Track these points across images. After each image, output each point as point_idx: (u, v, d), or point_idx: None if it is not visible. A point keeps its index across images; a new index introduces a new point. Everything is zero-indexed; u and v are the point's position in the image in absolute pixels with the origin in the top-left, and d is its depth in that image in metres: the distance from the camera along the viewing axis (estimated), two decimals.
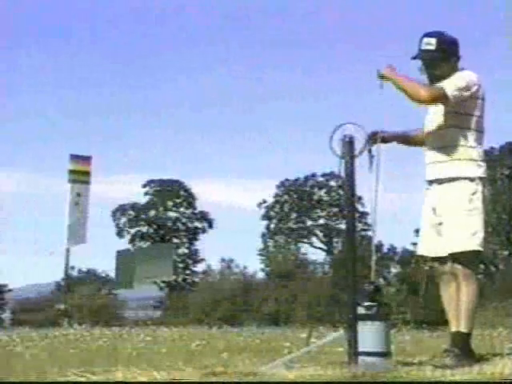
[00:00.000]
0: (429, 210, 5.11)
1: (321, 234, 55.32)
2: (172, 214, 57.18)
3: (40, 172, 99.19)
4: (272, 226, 55.50)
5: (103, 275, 49.84)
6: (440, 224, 5.02)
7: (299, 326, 21.96)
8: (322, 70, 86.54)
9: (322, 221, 55.48)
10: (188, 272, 55.84)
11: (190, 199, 57.29)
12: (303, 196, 55.48)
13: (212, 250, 61.61)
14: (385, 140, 5.11)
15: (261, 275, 50.61)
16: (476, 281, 5.01)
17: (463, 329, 4.91)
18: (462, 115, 4.96)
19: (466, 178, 4.95)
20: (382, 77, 4.99)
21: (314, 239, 55.30)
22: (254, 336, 10.32)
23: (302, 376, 4.31)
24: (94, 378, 4.49)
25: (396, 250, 48.85)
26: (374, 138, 5.00)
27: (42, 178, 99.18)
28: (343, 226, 5.10)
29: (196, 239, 57.00)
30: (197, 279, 53.85)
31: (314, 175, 55.53)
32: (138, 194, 56.89)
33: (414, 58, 5.04)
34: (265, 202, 55.57)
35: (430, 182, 5.12)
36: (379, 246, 45.34)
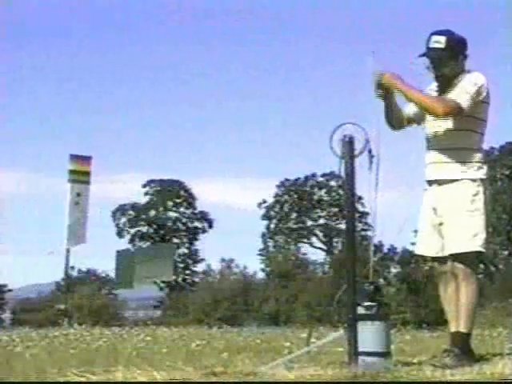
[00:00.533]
0: (429, 210, 5.10)
1: (321, 234, 55.33)
2: (172, 214, 57.21)
3: (40, 172, 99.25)
4: (272, 225, 55.51)
5: (103, 275, 49.82)
6: (441, 224, 5.02)
7: (299, 326, 21.95)
8: (322, 69, 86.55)
9: (322, 221, 55.50)
10: (188, 272, 55.85)
11: (190, 199, 57.30)
12: (303, 196, 55.49)
13: (212, 250, 61.60)
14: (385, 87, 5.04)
15: (261, 275, 50.64)
16: (476, 281, 5.01)
17: (463, 329, 4.91)
18: (468, 118, 4.96)
19: (467, 179, 4.95)
20: (380, 86, 4.95)
21: (313, 239, 55.34)
22: (254, 336, 10.32)
23: (302, 376, 4.31)
24: (94, 378, 4.48)
25: (396, 249, 48.83)
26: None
27: (42, 178, 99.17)
28: (343, 226, 5.07)
29: (196, 239, 57.03)
30: (197, 279, 53.89)
31: (314, 175, 55.58)
32: (138, 194, 56.95)
33: (422, 55, 5.01)
34: (265, 202, 55.62)
35: (430, 183, 5.12)
36: (379, 246, 45.30)
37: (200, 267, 54.44)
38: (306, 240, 55.12)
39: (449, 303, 5.02)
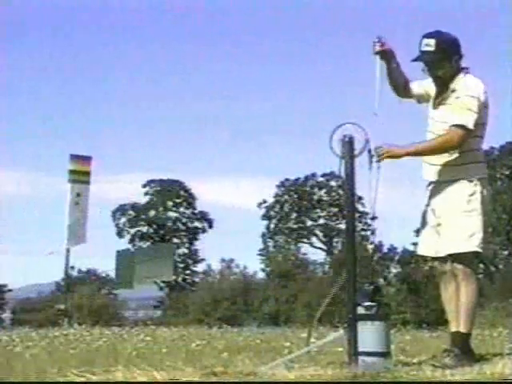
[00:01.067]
0: (428, 211, 5.12)
1: (321, 234, 55.34)
2: (172, 214, 57.24)
3: (40, 172, 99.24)
4: (272, 225, 55.53)
5: (103, 275, 49.82)
6: (439, 225, 5.02)
7: (299, 326, 21.94)
8: (322, 69, 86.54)
9: (322, 221, 55.51)
10: (188, 272, 55.86)
11: (189, 199, 57.33)
12: (303, 196, 55.50)
13: (212, 250, 61.65)
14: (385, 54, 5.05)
15: (261, 275, 50.65)
16: (476, 281, 5.02)
17: (463, 329, 4.91)
18: (471, 132, 4.93)
19: (464, 180, 4.96)
20: (376, 159, 4.85)
21: (314, 239, 55.35)
22: (254, 336, 10.30)
23: (302, 376, 4.31)
24: (94, 378, 4.49)
25: (396, 250, 48.85)
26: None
27: (42, 178, 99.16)
28: (343, 226, 5.06)
29: (196, 239, 57.06)
30: (197, 279, 53.90)
31: (314, 175, 55.61)
32: (138, 194, 56.95)
33: (415, 60, 5.03)
34: (265, 202, 55.65)
35: (429, 183, 5.13)
36: (379, 246, 45.34)
37: (200, 267, 54.56)
38: (306, 240, 55.15)
39: (449, 303, 5.02)
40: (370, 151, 4.82)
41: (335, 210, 54.48)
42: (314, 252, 53.12)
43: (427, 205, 5.14)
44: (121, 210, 56.39)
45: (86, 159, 20.05)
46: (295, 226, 55.61)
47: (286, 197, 55.78)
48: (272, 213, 55.65)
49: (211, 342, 8.51)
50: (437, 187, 5.07)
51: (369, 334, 4.56)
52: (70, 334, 10.79)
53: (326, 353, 5.40)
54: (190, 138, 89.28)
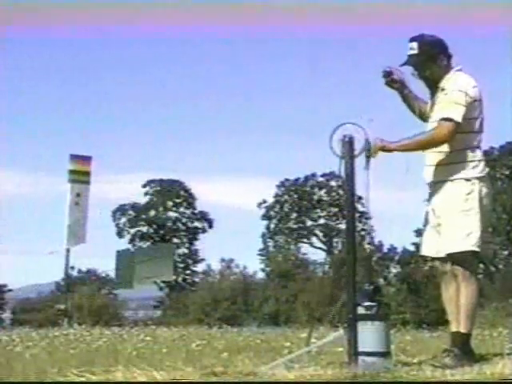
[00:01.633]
0: (429, 211, 5.13)
1: (321, 234, 55.34)
2: (172, 214, 57.23)
3: (40, 172, 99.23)
4: (272, 225, 55.53)
5: (103, 275, 49.81)
6: (439, 225, 5.03)
7: (299, 326, 21.95)
8: (322, 69, 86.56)
9: (322, 221, 55.51)
10: (188, 272, 55.85)
11: (189, 199, 57.33)
12: (303, 196, 55.50)
13: (212, 250, 61.51)
14: (394, 81, 5.10)
15: (261, 275, 50.65)
16: (476, 281, 5.01)
17: (463, 329, 4.92)
18: (463, 120, 4.96)
19: (461, 179, 4.96)
20: (369, 154, 4.87)
21: (314, 239, 55.35)
22: (254, 336, 10.30)
23: (302, 376, 4.31)
24: (94, 378, 4.49)
25: (396, 249, 48.86)
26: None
27: (42, 178, 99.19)
28: (343, 226, 5.06)
29: (196, 239, 57.06)
30: (197, 279, 53.90)
31: (314, 175, 55.60)
32: (138, 194, 56.93)
33: (402, 65, 5.09)
34: (265, 202, 55.65)
35: (429, 184, 5.14)
36: (379, 246, 45.34)
37: (200, 267, 54.55)
38: (306, 240, 55.15)
39: (449, 303, 5.02)
40: (368, 150, 4.82)
41: (335, 209, 54.48)
42: (313, 252, 53.16)
43: (428, 205, 5.15)
44: (121, 210, 56.39)
45: (86, 159, 20.06)
46: (295, 226, 55.61)
47: (286, 197, 55.78)
48: (272, 213, 55.65)
49: (211, 341, 8.51)
50: (436, 187, 5.08)
51: (369, 334, 4.56)
52: (70, 334, 10.79)
53: (326, 353, 5.40)
54: (190, 138, 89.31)
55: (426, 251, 5.21)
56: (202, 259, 54.81)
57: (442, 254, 5.02)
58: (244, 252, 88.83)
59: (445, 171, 5.01)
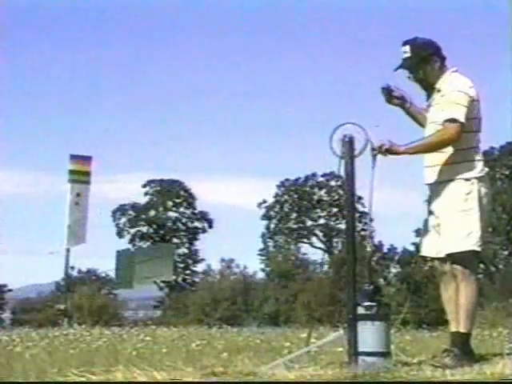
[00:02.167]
0: (429, 211, 5.14)
1: (321, 234, 55.34)
2: (172, 214, 57.23)
3: (40, 172, 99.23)
4: (272, 225, 55.52)
5: (103, 275, 49.81)
6: (439, 225, 5.04)
7: (299, 326, 21.96)
8: (322, 69, 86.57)
9: (322, 221, 55.51)
10: (188, 272, 55.85)
11: (189, 199, 57.33)
12: (303, 196, 55.51)
13: (212, 250, 61.62)
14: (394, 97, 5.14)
15: (261, 275, 50.66)
16: (475, 281, 5.01)
17: (462, 329, 4.92)
18: (464, 125, 4.96)
19: (461, 179, 4.97)
20: (375, 154, 4.88)
21: (314, 239, 55.35)
22: (254, 336, 10.31)
23: (302, 376, 4.31)
24: (94, 378, 4.49)
25: (396, 249, 48.86)
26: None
27: (42, 178, 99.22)
28: (343, 226, 5.07)
29: (196, 239, 57.05)
30: (197, 279, 53.89)
31: (314, 175, 55.60)
32: (138, 194, 56.93)
33: (397, 68, 5.12)
34: (265, 201, 55.65)
35: (429, 185, 5.14)
36: (379, 246, 45.35)
37: (200, 267, 54.54)
38: (306, 240, 55.15)
39: (449, 303, 5.02)
40: (373, 149, 4.83)
41: (335, 209, 54.49)
42: (313, 252, 53.15)
43: (428, 206, 5.16)
44: (121, 210, 56.40)
45: (86, 159, 20.07)
46: (295, 226, 55.61)
47: (286, 197, 55.78)
48: (272, 213, 55.65)
49: (211, 342, 8.52)
50: (435, 188, 5.09)
51: (369, 334, 4.56)
52: (70, 334, 10.80)
53: (326, 353, 5.40)
54: (190, 138, 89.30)
55: (425, 251, 5.21)
56: (202, 259, 54.86)
57: (441, 255, 5.03)
58: (244, 252, 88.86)
59: (444, 172, 5.02)
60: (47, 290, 49.45)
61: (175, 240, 55.65)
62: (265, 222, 55.42)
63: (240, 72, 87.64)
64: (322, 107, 74.15)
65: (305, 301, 41.20)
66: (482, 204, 4.98)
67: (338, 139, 4.79)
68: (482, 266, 42.95)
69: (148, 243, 53.95)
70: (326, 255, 51.30)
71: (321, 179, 55.50)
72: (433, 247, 5.11)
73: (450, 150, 4.99)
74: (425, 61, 5.06)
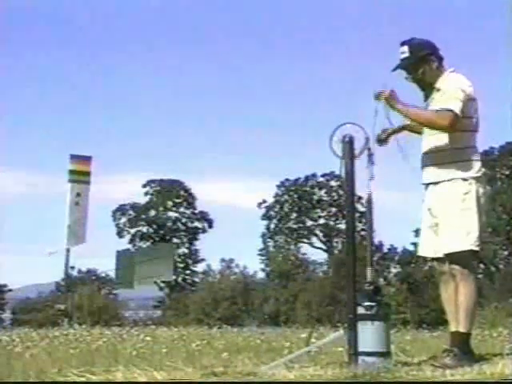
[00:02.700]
0: (426, 212, 5.13)
1: (321, 234, 55.32)
2: (172, 214, 57.20)
3: (40, 172, 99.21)
4: (272, 226, 55.50)
5: (103, 275, 49.78)
6: (436, 225, 5.04)
7: (299, 326, 21.96)
8: (322, 69, 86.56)
9: (322, 221, 55.48)
10: (188, 272, 55.82)
11: (189, 199, 57.30)
12: (303, 196, 55.49)
13: (212, 250, 61.47)
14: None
15: (261, 275, 50.64)
16: (474, 281, 5.01)
17: (462, 329, 4.91)
18: (460, 118, 4.98)
19: (459, 178, 4.97)
20: (378, 98, 4.99)
21: (314, 239, 55.33)
22: (254, 336, 10.31)
23: (302, 376, 4.31)
24: (94, 378, 4.49)
25: (396, 249, 48.84)
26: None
27: (42, 178, 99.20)
28: (343, 226, 5.08)
29: (196, 239, 57.02)
30: (197, 279, 53.87)
31: (314, 175, 55.59)
32: (138, 194, 56.92)
33: (395, 69, 5.12)
34: (265, 201, 55.62)
35: (427, 185, 5.14)
36: (379, 246, 45.33)
37: (200, 267, 54.50)
38: (306, 240, 55.13)
39: (448, 303, 5.02)
40: (369, 149, 4.84)
41: (335, 209, 54.47)
42: (313, 252, 53.13)
43: (424, 205, 5.16)
44: (121, 210, 56.38)
45: (86, 159, 20.08)
46: (295, 226, 55.59)
47: (286, 197, 55.76)
48: (272, 213, 55.63)
49: (211, 342, 8.52)
50: (433, 188, 5.09)
51: (369, 334, 4.56)
52: (70, 334, 10.80)
53: (326, 353, 5.40)
54: (190, 138, 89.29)
55: (423, 252, 5.21)
56: (202, 259, 54.82)
57: (440, 254, 5.03)
58: (244, 252, 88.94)
59: (442, 171, 5.02)
60: (47, 290, 49.41)
61: (175, 240, 55.62)
62: (265, 222, 55.46)
63: (240, 72, 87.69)
64: (321, 107, 74.19)
65: (305, 301, 41.21)
66: (480, 204, 4.98)
67: (338, 139, 4.79)
68: (481, 265, 42.95)
69: (148, 243, 53.96)
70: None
71: (321, 179, 55.50)
72: (430, 247, 5.11)
73: (447, 149, 4.99)
74: (423, 61, 5.07)
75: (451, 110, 4.89)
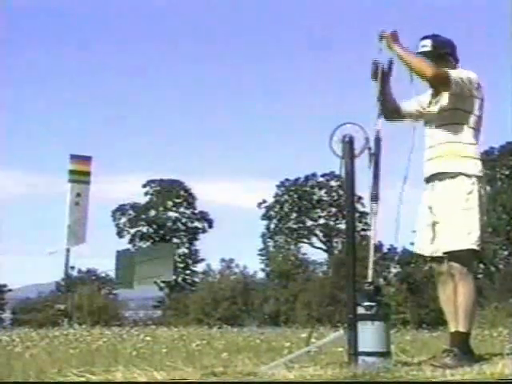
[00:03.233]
0: (425, 209, 5.12)
1: (321, 234, 55.31)
2: (172, 214, 57.19)
3: (40, 172, 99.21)
4: (272, 226, 55.49)
5: (103, 275, 49.76)
6: (436, 223, 5.03)
7: (299, 325, 21.96)
8: (322, 69, 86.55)
9: (322, 221, 55.47)
10: (188, 272, 55.81)
11: (189, 199, 57.28)
12: (303, 196, 55.47)
13: (212, 250, 61.55)
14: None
15: (261, 275, 50.64)
16: (473, 280, 5.00)
17: (462, 328, 4.91)
18: (461, 112, 5.01)
19: (462, 175, 4.96)
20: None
21: (314, 239, 55.32)
22: (254, 336, 10.31)
23: (302, 376, 4.31)
24: (94, 378, 4.48)
25: (396, 249, 48.82)
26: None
27: (42, 178, 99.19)
28: (343, 226, 5.08)
29: (196, 239, 57.01)
30: (197, 279, 53.86)
31: (314, 175, 55.58)
32: (138, 194, 56.92)
33: None
34: (265, 201, 55.61)
35: (428, 181, 5.13)
36: (379, 246, 45.31)
37: (200, 267, 54.49)
38: (306, 240, 55.12)
39: (447, 304, 5.01)
40: (369, 149, 4.84)
41: (335, 209, 54.46)
42: (313, 252, 53.12)
43: (424, 203, 5.15)
44: (121, 209, 56.37)
45: (86, 159, 20.09)
46: (295, 226, 55.58)
47: (286, 197, 55.74)
48: (272, 213, 55.61)
49: (211, 342, 8.52)
50: (434, 186, 5.08)
51: (369, 334, 4.55)
52: (70, 334, 10.80)
53: (326, 353, 5.40)
54: (190, 138, 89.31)
55: (420, 249, 5.20)
56: (202, 259, 54.81)
57: (438, 253, 5.02)
58: (244, 252, 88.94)
59: (446, 164, 5.00)
60: (47, 290, 49.39)
61: (175, 240, 55.60)
62: (265, 222, 55.44)
63: (240, 72, 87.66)
64: (321, 107, 74.18)
65: (305, 301, 41.20)
66: (481, 204, 4.97)
67: (338, 139, 4.79)
68: (481, 265, 42.95)
69: (148, 243, 53.94)
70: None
71: (321, 179, 55.48)
72: (427, 245, 5.10)
73: (452, 143, 4.99)
74: (442, 58, 5.09)
75: (446, 72, 4.95)
